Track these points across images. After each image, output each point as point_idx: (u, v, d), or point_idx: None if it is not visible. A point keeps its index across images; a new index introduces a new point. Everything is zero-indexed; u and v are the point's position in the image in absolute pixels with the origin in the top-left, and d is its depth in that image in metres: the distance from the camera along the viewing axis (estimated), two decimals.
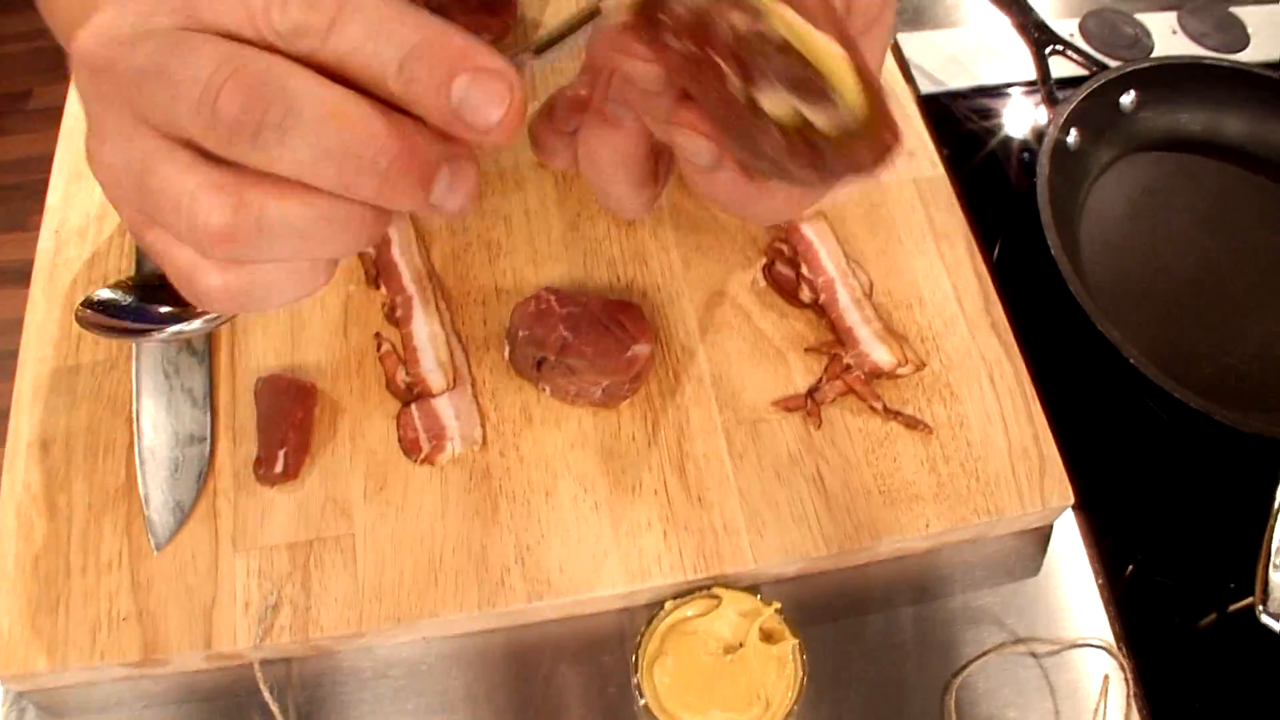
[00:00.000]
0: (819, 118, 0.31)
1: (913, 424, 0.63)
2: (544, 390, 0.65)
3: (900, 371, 0.63)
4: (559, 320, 0.64)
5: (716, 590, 0.58)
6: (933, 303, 0.67)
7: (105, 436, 0.65)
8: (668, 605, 0.58)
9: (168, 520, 0.62)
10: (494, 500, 0.62)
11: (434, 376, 0.66)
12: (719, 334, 0.67)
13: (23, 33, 2.44)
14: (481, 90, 0.30)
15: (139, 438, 0.64)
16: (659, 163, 0.41)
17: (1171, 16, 0.82)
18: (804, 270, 0.65)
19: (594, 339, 0.63)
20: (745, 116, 0.32)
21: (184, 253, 0.33)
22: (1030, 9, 0.69)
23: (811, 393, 0.64)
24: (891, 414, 0.63)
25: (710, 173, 0.37)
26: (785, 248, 0.66)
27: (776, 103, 0.31)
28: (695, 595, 0.58)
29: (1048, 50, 0.69)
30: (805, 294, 0.65)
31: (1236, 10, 0.83)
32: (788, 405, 0.64)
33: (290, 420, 0.64)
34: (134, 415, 0.65)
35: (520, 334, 0.64)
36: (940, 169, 0.71)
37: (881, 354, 0.63)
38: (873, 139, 0.31)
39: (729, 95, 0.32)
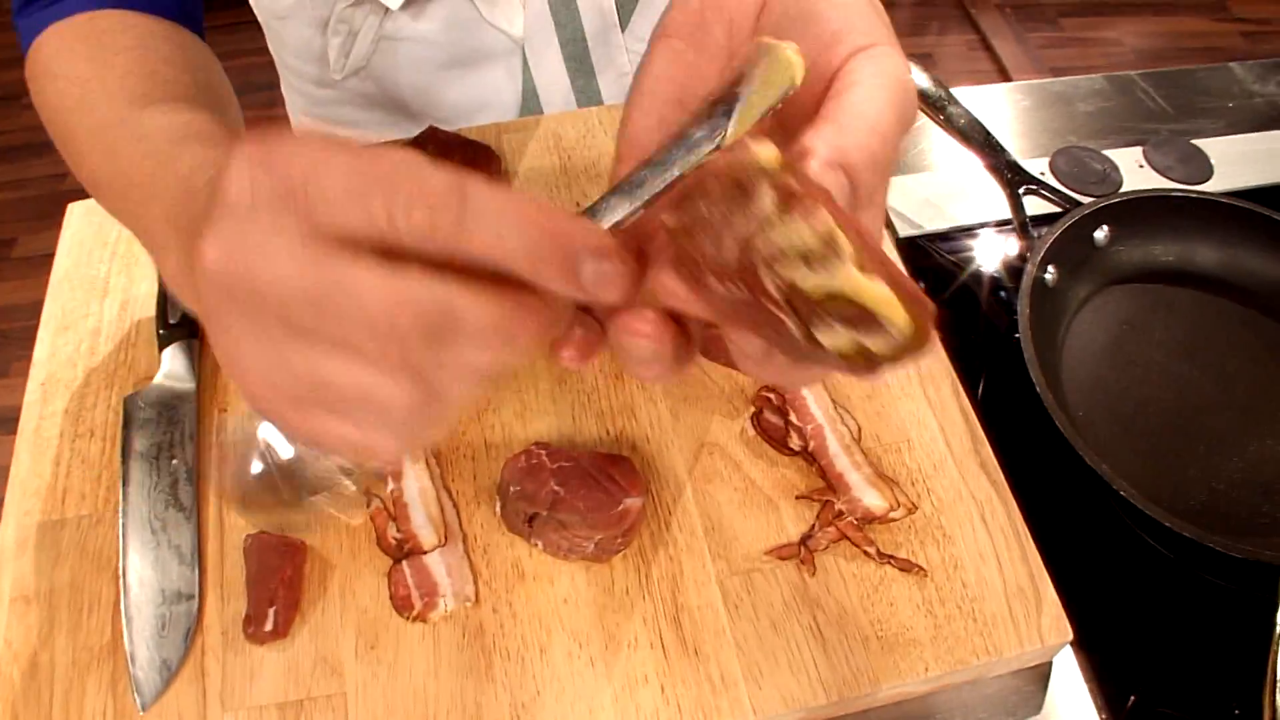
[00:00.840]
0: (875, 343, 0.32)
1: (907, 567, 0.62)
2: (536, 545, 0.64)
3: (892, 516, 0.63)
4: (550, 475, 0.63)
5: None
6: (921, 445, 0.67)
7: (90, 593, 0.63)
8: None
9: (154, 679, 0.60)
10: (488, 657, 0.60)
11: (425, 532, 0.65)
12: (710, 484, 0.66)
13: (8, 181, 2.46)
14: (601, 272, 0.34)
15: (125, 594, 0.62)
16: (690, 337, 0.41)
17: (1137, 151, 0.84)
18: (792, 418, 0.65)
19: (585, 493, 0.62)
20: (800, 343, 0.34)
21: (357, 431, 0.35)
22: (1002, 150, 0.71)
23: (805, 540, 0.63)
24: (885, 558, 0.63)
25: (760, 362, 0.39)
26: (773, 396, 0.66)
27: (834, 337, 0.33)
28: None
29: (1021, 190, 0.71)
30: (794, 441, 0.65)
31: (1198, 142, 0.85)
32: (781, 554, 0.63)
33: (280, 577, 0.62)
34: (120, 571, 0.63)
35: (511, 489, 0.63)
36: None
37: (873, 499, 0.63)
38: (919, 340, 0.32)
39: (784, 328, 0.34)
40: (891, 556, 0.63)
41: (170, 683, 0.59)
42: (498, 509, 0.64)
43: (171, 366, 0.72)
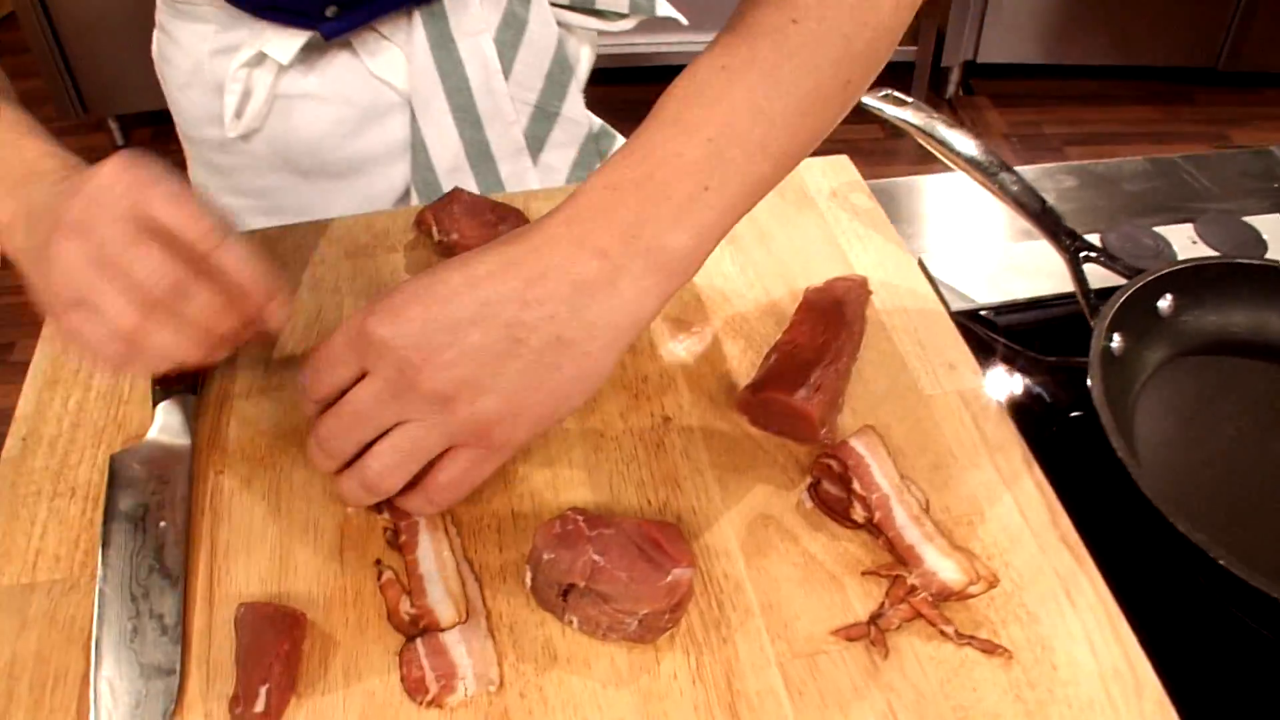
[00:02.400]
0: None
1: (990, 649, 0.54)
2: (570, 623, 0.55)
3: (971, 591, 0.55)
4: (588, 543, 0.55)
5: None
6: (994, 518, 0.59)
7: (57, 665, 0.54)
8: None
9: None
10: None
11: (443, 608, 0.56)
12: (765, 559, 0.58)
13: (8, 286, 2.39)
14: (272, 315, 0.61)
15: (96, 667, 0.53)
16: None
17: (1188, 228, 0.80)
18: (855, 487, 0.58)
19: (628, 563, 0.54)
20: None
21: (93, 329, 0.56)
22: (1061, 219, 0.67)
23: (874, 619, 0.55)
24: (966, 639, 0.55)
25: None
26: (834, 463, 0.59)
27: None
28: None
29: (1081, 256, 0.66)
30: (858, 513, 0.58)
31: (1249, 219, 0.81)
32: (849, 634, 0.55)
33: (275, 653, 0.53)
34: (93, 642, 0.54)
35: (544, 557, 0.55)
36: (982, 377, 0.65)
37: (950, 572, 0.56)
38: None
39: None
40: (972, 637, 0.54)
41: None
42: (528, 580, 0.56)
43: (165, 421, 0.64)
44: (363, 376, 0.54)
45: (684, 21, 1.02)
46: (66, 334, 0.56)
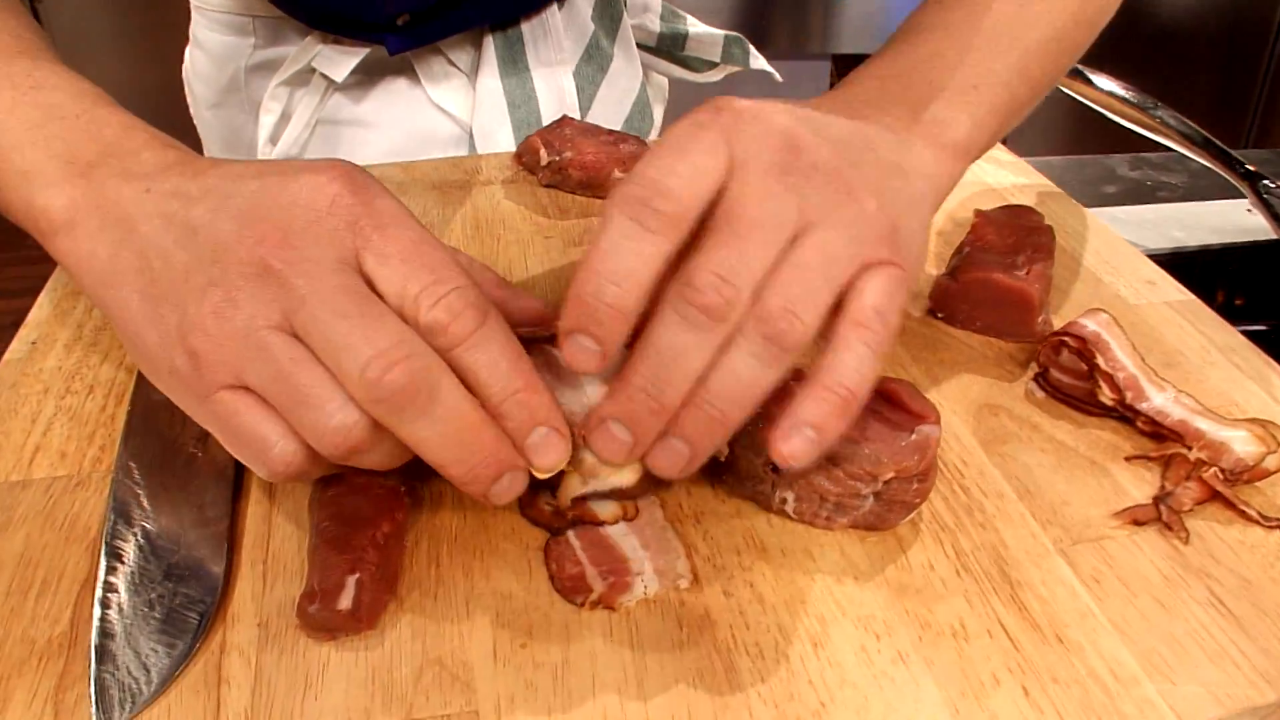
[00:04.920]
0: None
1: None
2: (783, 505, 0.40)
3: (1269, 464, 0.43)
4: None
5: None
6: (1256, 412, 0.48)
7: (48, 568, 0.37)
8: None
9: (132, 685, 0.33)
10: (726, 658, 0.35)
11: (603, 507, 0.41)
12: (1005, 446, 0.44)
13: None
14: (546, 445, 0.36)
15: (111, 564, 0.37)
16: None
17: None
18: (1100, 363, 0.46)
19: (860, 425, 0.39)
20: None
21: (275, 430, 0.35)
22: (1225, 149, 0.60)
23: (1161, 500, 0.42)
24: (1274, 523, 0.42)
25: None
26: (1070, 341, 0.47)
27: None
28: None
29: (1261, 186, 0.59)
30: (1105, 395, 0.45)
31: None
32: (1135, 517, 0.41)
33: (369, 537, 0.37)
34: (104, 538, 0.38)
35: (748, 423, 0.41)
36: (1190, 296, 0.55)
37: (1244, 441, 0.43)
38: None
39: None
40: None
41: (160, 693, 0.33)
42: (723, 454, 0.42)
43: None
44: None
45: (779, 78, 0.92)
46: (219, 419, 0.36)
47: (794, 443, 0.34)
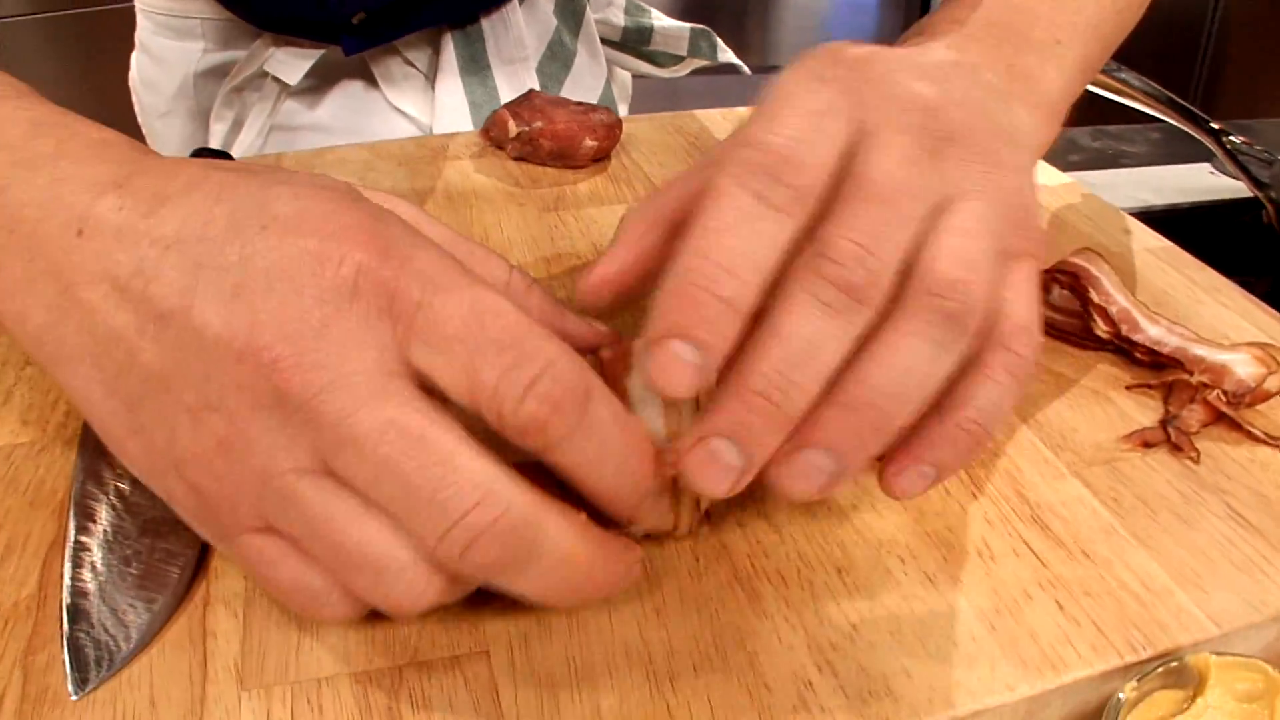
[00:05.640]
0: None
1: None
2: None
3: (1271, 385, 0.43)
4: None
5: (1177, 667, 0.30)
6: (1244, 340, 0.48)
7: (11, 533, 0.34)
8: (1114, 715, 0.29)
9: (109, 643, 0.30)
10: (748, 585, 0.33)
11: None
12: None
13: None
14: (657, 507, 0.30)
15: (82, 524, 0.34)
16: None
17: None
18: (1093, 297, 0.45)
19: None
20: None
21: (323, 588, 0.27)
22: (1190, 107, 0.61)
23: (1168, 423, 0.42)
24: (1279, 442, 0.41)
25: None
26: (1061, 277, 0.46)
27: None
28: (1142, 687, 0.29)
29: (1226, 141, 0.60)
30: (1100, 328, 0.44)
31: None
32: (1145, 439, 0.40)
33: None
34: (72, 499, 0.35)
35: None
36: (1168, 243, 0.55)
37: (1245, 364, 0.43)
38: None
39: None
40: None
41: (139, 651, 0.30)
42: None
43: None
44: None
45: (747, 71, 0.91)
46: (247, 564, 0.28)
47: (908, 479, 0.30)
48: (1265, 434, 0.40)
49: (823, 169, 0.28)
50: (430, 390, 0.26)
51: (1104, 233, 0.55)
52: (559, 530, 0.27)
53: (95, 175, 0.28)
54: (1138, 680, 0.29)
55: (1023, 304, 0.30)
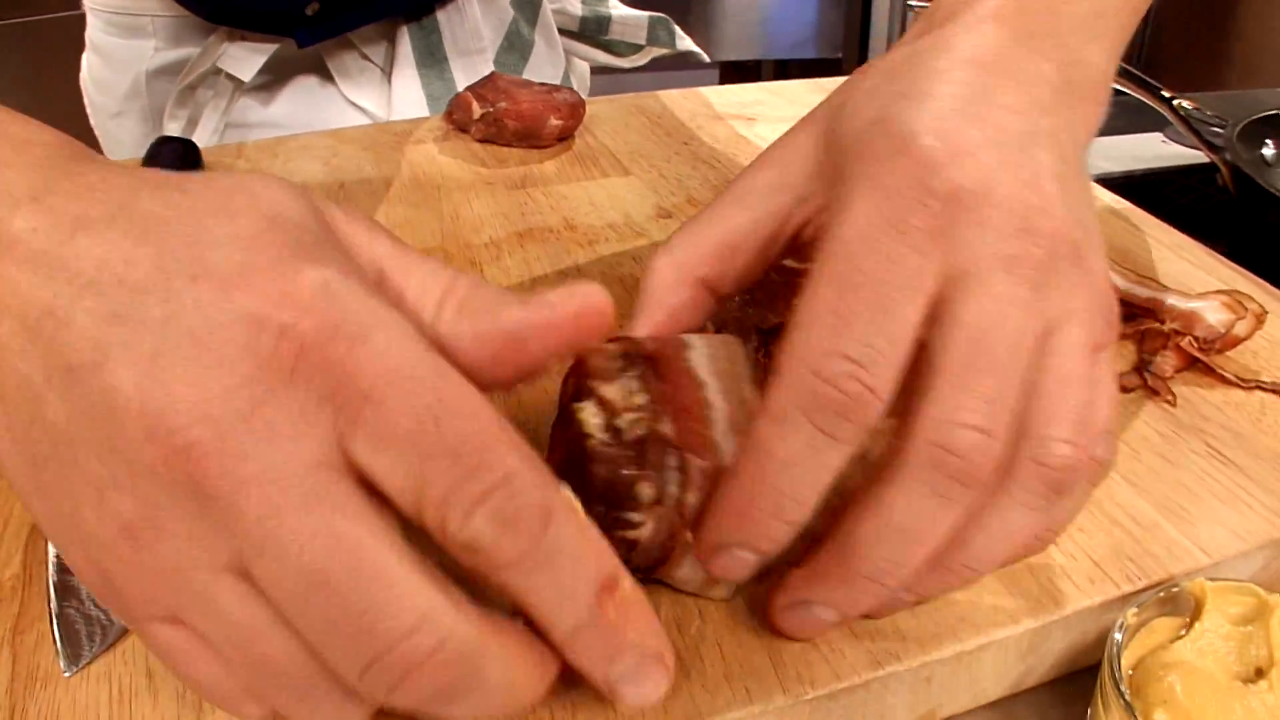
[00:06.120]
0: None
1: None
2: None
3: (1239, 330, 0.44)
4: (785, 289, 0.41)
5: (1174, 594, 0.30)
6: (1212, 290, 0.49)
7: None
8: (1112, 647, 0.29)
9: (101, 618, 0.30)
10: None
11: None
12: None
13: None
14: (639, 676, 0.25)
15: None
16: None
17: None
18: None
19: None
20: None
21: (229, 679, 0.24)
22: (1139, 74, 0.62)
23: (1142, 369, 0.43)
24: (1251, 384, 0.42)
25: None
26: None
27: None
28: (1141, 614, 0.30)
29: (1175, 102, 0.61)
30: None
31: None
32: (1122, 384, 0.41)
33: None
34: None
35: (735, 300, 0.40)
36: (1130, 205, 0.56)
37: (1214, 310, 0.44)
38: None
39: None
40: (1258, 382, 0.42)
41: (127, 629, 0.29)
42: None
43: None
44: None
45: (705, 59, 0.92)
46: (158, 652, 0.25)
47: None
48: (1236, 376, 0.41)
49: (898, 372, 0.27)
50: (370, 489, 0.23)
51: None
52: (503, 656, 0.24)
53: (12, 184, 0.24)
54: (1137, 608, 0.30)
55: (1105, 403, 0.29)
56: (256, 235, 0.24)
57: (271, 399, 0.22)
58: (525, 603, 0.24)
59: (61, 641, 0.29)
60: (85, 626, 0.29)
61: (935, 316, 0.27)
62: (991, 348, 0.27)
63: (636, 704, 0.25)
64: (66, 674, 0.28)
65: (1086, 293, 0.29)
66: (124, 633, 0.29)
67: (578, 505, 0.25)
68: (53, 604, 0.30)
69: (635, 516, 0.29)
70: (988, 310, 0.27)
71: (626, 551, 0.29)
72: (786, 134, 0.34)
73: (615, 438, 0.29)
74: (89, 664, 0.28)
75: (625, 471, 0.29)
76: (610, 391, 0.30)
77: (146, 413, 0.22)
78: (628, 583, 0.25)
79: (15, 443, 0.23)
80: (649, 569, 0.30)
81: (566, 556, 0.24)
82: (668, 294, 0.34)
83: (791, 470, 0.27)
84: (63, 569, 0.31)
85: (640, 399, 0.30)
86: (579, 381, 0.31)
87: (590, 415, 0.30)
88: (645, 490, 0.29)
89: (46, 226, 0.23)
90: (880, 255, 0.27)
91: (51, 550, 0.31)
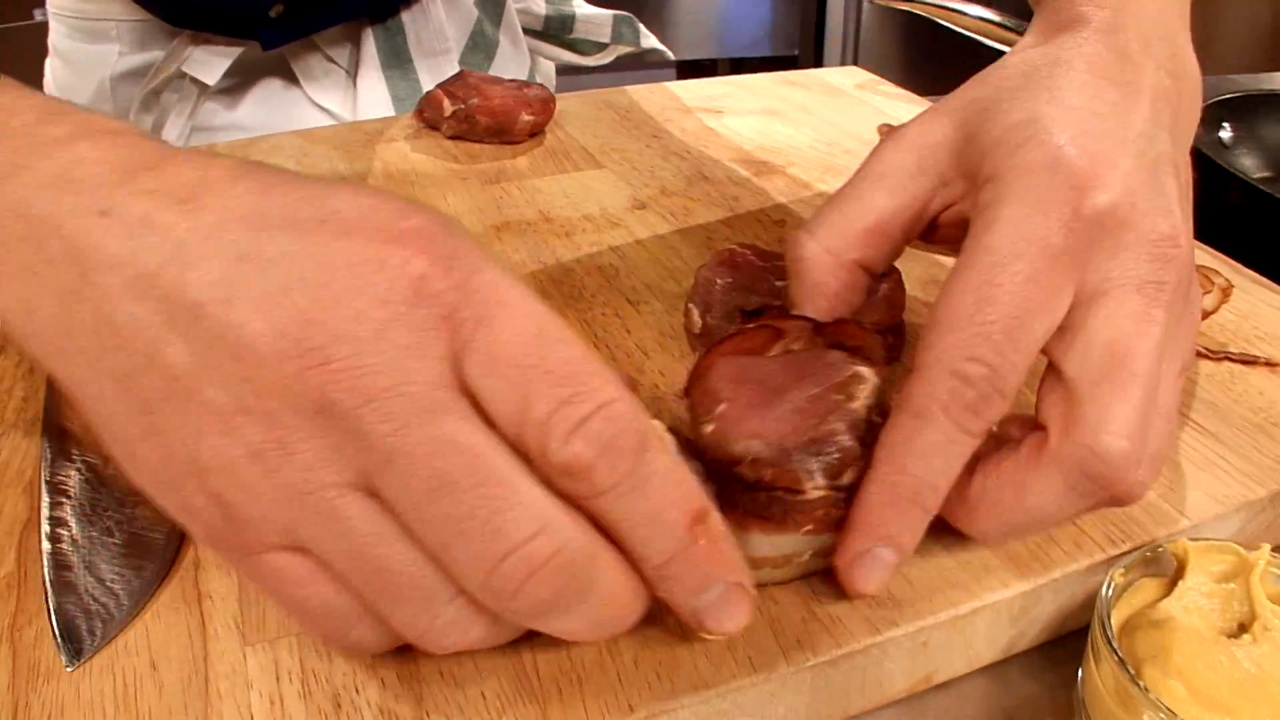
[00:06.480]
0: None
1: (1249, 360, 0.43)
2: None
3: (1206, 304, 0.45)
4: (766, 272, 0.42)
5: (1158, 555, 0.31)
6: None
7: None
8: (1102, 603, 0.30)
9: (101, 612, 0.29)
10: None
11: None
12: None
13: None
14: (725, 605, 0.27)
15: (56, 500, 0.33)
16: None
17: None
18: None
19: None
20: None
21: (346, 602, 0.25)
22: None
23: None
24: (1220, 355, 0.44)
25: None
26: None
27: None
28: (1128, 575, 0.31)
29: None
30: None
31: None
32: None
33: None
34: (46, 472, 0.33)
35: (717, 283, 0.41)
36: None
37: None
38: None
39: None
40: (1225, 353, 0.44)
41: (131, 620, 0.29)
42: (696, 321, 0.41)
43: None
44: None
45: (671, 56, 0.93)
46: (266, 585, 0.26)
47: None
48: (1206, 349, 0.43)
49: (1020, 382, 0.29)
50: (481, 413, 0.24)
51: None
52: (611, 568, 0.25)
53: (120, 159, 0.26)
54: (1124, 568, 0.31)
55: (1169, 432, 0.31)
56: (374, 194, 0.26)
57: (396, 322, 0.24)
58: (619, 530, 0.25)
59: (62, 637, 0.29)
60: (85, 621, 0.29)
61: (1070, 326, 0.30)
62: (1132, 363, 0.29)
63: (721, 632, 0.27)
64: (69, 668, 0.28)
65: (1191, 322, 0.32)
66: (125, 625, 0.29)
67: (666, 436, 0.26)
68: (50, 600, 0.30)
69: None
70: (1127, 329, 0.30)
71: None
72: (921, 118, 0.36)
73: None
74: (91, 657, 0.28)
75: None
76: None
77: (281, 338, 0.23)
78: (715, 516, 0.26)
79: (121, 391, 0.25)
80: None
81: (660, 484, 0.25)
82: (829, 277, 0.35)
83: (930, 460, 0.29)
84: (59, 565, 0.31)
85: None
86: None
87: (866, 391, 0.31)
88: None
89: (164, 188, 0.25)
90: (1024, 273, 0.29)
91: (46, 546, 0.31)
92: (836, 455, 0.29)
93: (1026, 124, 0.32)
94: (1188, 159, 0.34)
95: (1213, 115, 0.62)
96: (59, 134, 0.26)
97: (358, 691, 0.28)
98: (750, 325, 0.33)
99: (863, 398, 0.31)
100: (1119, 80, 0.33)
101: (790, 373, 0.31)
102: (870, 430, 0.30)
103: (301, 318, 0.23)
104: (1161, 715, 0.27)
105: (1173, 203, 0.32)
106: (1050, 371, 0.31)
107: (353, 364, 0.23)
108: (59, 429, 0.36)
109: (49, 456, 0.35)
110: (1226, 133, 0.64)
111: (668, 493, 0.25)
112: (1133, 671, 0.28)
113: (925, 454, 0.29)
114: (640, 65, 0.95)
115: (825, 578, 0.31)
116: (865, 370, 0.31)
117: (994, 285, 0.29)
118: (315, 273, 0.24)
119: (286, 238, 0.24)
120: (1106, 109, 0.32)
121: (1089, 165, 0.30)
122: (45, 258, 0.25)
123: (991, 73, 0.35)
